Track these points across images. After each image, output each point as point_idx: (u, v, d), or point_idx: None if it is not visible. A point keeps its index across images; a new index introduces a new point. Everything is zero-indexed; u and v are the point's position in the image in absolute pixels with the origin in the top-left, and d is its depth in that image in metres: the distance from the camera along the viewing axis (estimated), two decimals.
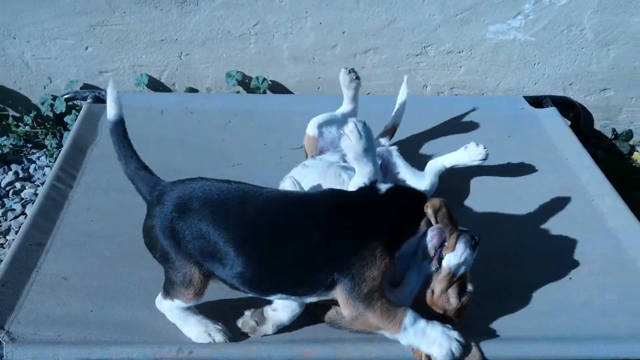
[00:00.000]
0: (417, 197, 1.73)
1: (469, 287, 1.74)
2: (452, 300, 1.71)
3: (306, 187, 2.04)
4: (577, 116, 3.12)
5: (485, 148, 2.31)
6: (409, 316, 1.61)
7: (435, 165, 2.36)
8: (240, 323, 1.81)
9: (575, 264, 2.17)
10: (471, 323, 1.86)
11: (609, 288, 2.06)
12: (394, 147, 2.44)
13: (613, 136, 3.27)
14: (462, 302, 1.72)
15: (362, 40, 2.95)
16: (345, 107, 2.47)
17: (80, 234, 2.19)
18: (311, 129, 2.31)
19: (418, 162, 2.44)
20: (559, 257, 2.20)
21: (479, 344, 1.74)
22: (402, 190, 1.78)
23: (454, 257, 1.69)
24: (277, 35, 2.94)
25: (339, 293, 1.61)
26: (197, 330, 1.76)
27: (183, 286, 1.68)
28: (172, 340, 1.77)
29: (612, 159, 3.16)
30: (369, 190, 1.76)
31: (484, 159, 2.32)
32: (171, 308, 1.76)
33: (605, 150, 3.23)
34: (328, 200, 1.73)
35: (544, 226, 2.35)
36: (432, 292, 1.71)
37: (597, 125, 3.25)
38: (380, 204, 1.70)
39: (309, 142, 2.32)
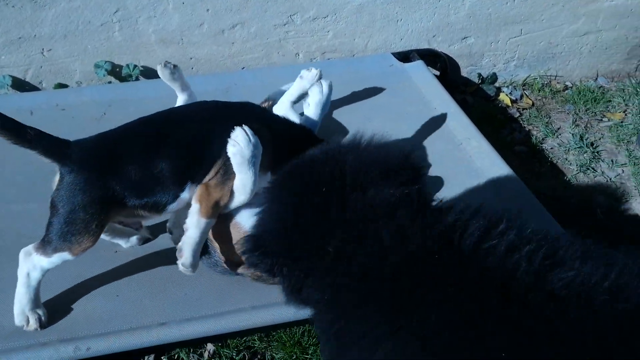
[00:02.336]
0: None
1: None
2: None
3: None
4: (444, 65, 3.29)
5: (317, 69, 2.41)
6: None
7: (284, 105, 2.44)
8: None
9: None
10: None
11: None
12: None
13: (480, 81, 3.47)
14: None
15: (227, 16, 2.96)
16: (181, 98, 2.38)
17: None
18: None
19: None
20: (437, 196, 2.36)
21: None
22: None
23: None
24: (140, 20, 2.90)
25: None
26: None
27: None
28: (67, 339, 1.78)
29: (480, 102, 3.37)
30: None
31: (320, 77, 2.41)
32: (36, 266, 1.78)
33: (473, 94, 3.43)
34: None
35: None
36: None
37: (464, 72, 3.44)
38: None
39: None
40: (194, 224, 1.80)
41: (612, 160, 2.96)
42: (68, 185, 1.73)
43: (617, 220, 2.66)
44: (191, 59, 3.07)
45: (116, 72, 3.02)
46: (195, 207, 1.80)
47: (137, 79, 3.02)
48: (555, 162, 2.96)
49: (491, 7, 3.19)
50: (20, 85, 2.98)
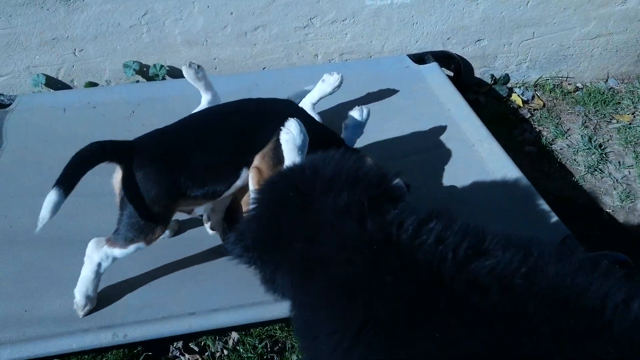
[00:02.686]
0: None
1: None
2: None
3: None
4: (457, 67, 3.40)
5: (339, 74, 2.63)
6: None
7: (306, 107, 2.61)
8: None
9: (460, 204, 2.45)
10: None
11: (490, 223, 2.36)
12: None
13: (492, 82, 3.58)
14: None
15: (250, 19, 3.09)
16: (205, 97, 2.53)
17: (3, 241, 2.28)
18: None
19: None
20: (446, 200, 2.48)
21: None
22: None
23: None
24: (167, 22, 3.03)
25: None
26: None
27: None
28: (106, 326, 1.93)
29: (492, 103, 3.48)
30: None
31: (340, 83, 2.64)
32: (108, 255, 1.95)
33: (486, 95, 3.54)
34: None
35: (430, 174, 2.62)
36: None
37: (477, 73, 3.55)
38: None
39: None
40: None
41: (619, 162, 3.06)
42: (141, 181, 1.88)
43: (622, 220, 2.77)
44: (215, 59, 3.20)
45: (144, 71, 3.16)
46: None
47: (163, 78, 3.16)
48: (564, 162, 3.07)
49: (504, 10, 3.29)
50: (53, 83, 3.13)
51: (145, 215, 1.89)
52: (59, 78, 3.13)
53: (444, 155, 2.72)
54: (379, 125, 2.90)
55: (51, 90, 3.14)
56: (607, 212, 2.80)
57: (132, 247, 1.91)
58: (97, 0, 2.91)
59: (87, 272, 1.96)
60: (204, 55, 3.16)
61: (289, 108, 2.24)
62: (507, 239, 1.42)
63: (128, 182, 1.90)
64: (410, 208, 1.49)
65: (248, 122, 2.04)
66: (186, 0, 2.98)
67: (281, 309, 2.03)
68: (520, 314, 1.22)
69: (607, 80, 3.67)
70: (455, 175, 2.60)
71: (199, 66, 2.49)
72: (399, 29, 3.28)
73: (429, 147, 2.77)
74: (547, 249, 1.38)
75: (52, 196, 1.79)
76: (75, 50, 3.05)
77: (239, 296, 2.08)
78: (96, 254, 1.94)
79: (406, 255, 1.37)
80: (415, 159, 2.69)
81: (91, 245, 1.97)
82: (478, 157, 2.69)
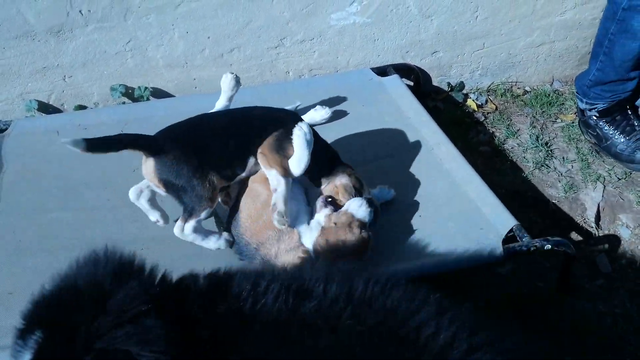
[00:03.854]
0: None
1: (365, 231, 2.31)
2: (355, 231, 2.27)
3: None
4: (417, 77, 3.73)
5: (329, 107, 3.09)
6: None
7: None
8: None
9: (423, 203, 2.76)
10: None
11: (449, 218, 2.67)
12: None
13: (449, 89, 3.92)
14: (362, 235, 2.27)
15: (226, 42, 3.37)
16: (221, 103, 2.92)
17: (13, 253, 2.52)
18: None
19: None
20: (410, 200, 2.79)
21: None
22: None
23: (354, 203, 2.33)
24: (150, 48, 3.30)
25: None
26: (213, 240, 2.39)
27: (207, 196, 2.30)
28: None
29: (450, 108, 3.82)
30: None
31: (328, 116, 3.13)
32: (194, 227, 2.31)
33: (444, 101, 3.87)
34: None
35: (395, 176, 2.93)
36: (335, 223, 2.29)
37: (435, 82, 3.88)
38: None
39: None
40: (280, 183, 2.30)
41: (563, 157, 3.42)
42: (173, 164, 2.25)
43: (567, 209, 3.12)
44: (194, 79, 3.48)
45: (129, 93, 3.42)
46: (272, 171, 2.32)
47: (148, 99, 3.43)
48: (514, 160, 3.41)
49: (456, 25, 3.63)
50: (45, 108, 3.38)
51: (192, 187, 2.26)
52: (50, 103, 3.38)
53: (407, 159, 3.02)
54: (347, 134, 3.21)
55: (43, 114, 3.38)
56: (553, 202, 3.15)
57: (202, 214, 2.29)
58: (85, 31, 3.17)
59: (201, 244, 2.38)
60: (185, 76, 3.44)
61: (293, 116, 2.60)
62: (328, 275, 1.40)
63: (159, 167, 2.27)
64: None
65: (258, 122, 2.44)
66: (167, 28, 3.25)
67: None
68: (348, 354, 1.25)
69: (552, 83, 4.04)
70: (417, 177, 2.90)
71: (238, 79, 2.88)
72: (361, 45, 3.59)
73: (392, 152, 3.07)
74: (372, 280, 1.38)
75: (78, 139, 2.24)
76: (65, 76, 3.31)
77: None
78: (189, 235, 2.33)
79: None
80: (381, 164, 2.99)
81: (178, 233, 2.34)
82: (437, 159, 3.01)
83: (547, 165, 3.36)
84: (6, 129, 3.21)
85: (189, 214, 2.30)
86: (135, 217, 2.72)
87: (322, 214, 2.35)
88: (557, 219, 3.06)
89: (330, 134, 3.13)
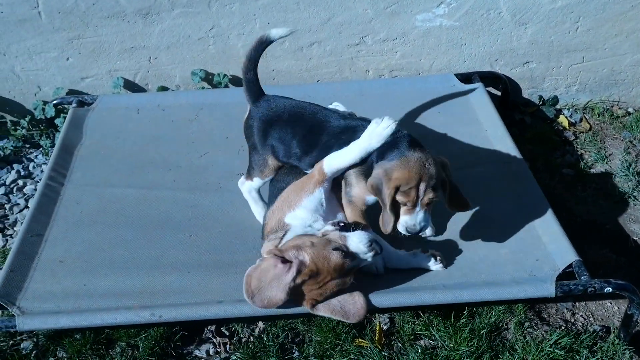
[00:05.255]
0: None
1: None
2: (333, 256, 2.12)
3: None
4: (505, 87, 3.53)
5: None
6: None
7: None
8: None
9: (481, 223, 2.63)
10: (383, 278, 2.35)
11: (505, 243, 2.52)
12: None
13: (541, 102, 3.67)
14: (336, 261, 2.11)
15: (306, 36, 3.35)
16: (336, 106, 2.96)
17: (72, 224, 2.67)
18: None
19: None
20: (466, 218, 2.65)
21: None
22: None
23: (356, 237, 2.17)
24: (231, 36, 3.35)
25: None
26: (258, 210, 2.64)
27: (260, 168, 2.54)
28: (147, 306, 2.26)
29: (538, 123, 3.57)
30: None
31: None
32: (249, 189, 2.63)
33: (533, 115, 3.63)
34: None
35: (462, 191, 2.79)
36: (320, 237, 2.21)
37: (525, 94, 3.65)
38: None
39: None
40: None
41: None
42: (251, 124, 2.54)
43: None
44: (273, 70, 3.49)
45: (209, 79, 3.50)
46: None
47: (226, 86, 3.49)
48: (599, 187, 3.14)
49: (553, 35, 3.38)
50: (130, 86, 3.53)
51: (252, 154, 2.57)
52: (136, 82, 3.52)
53: (476, 174, 2.87)
54: (419, 140, 3.09)
55: (128, 92, 3.53)
56: (633, 239, 2.87)
57: (256, 180, 2.57)
58: (171, 15, 3.26)
59: (250, 204, 2.67)
60: (264, 67, 3.45)
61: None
62: None
63: (247, 120, 2.59)
64: None
65: (331, 131, 2.41)
66: (249, 17, 3.28)
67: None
68: None
69: None
70: (480, 194, 2.74)
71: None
72: (447, 49, 3.44)
73: (461, 165, 2.92)
74: None
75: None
76: (150, 57, 3.43)
77: None
78: (245, 191, 2.65)
79: None
80: None
81: (240, 186, 2.67)
82: (506, 178, 2.84)
83: (634, 197, 3.07)
84: (92, 103, 3.38)
85: (247, 173, 2.62)
86: (194, 201, 2.80)
87: (322, 228, 2.27)
88: (635, 259, 2.78)
89: None
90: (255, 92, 2.57)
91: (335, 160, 2.30)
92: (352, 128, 2.37)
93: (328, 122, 2.44)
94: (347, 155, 2.29)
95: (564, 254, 2.40)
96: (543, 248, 2.47)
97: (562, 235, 2.48)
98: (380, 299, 2.28)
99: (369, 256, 2.15)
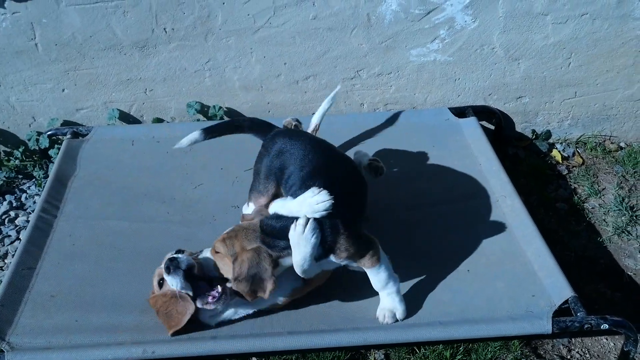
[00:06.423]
0: None
1: None
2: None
3: None
4: (498, 121, 3.55)
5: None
6: None
7: None
8: None
9: (475, 257, 2.62)
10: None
11: (500, 278, 2.51)
12: None
13: (534, 136, 3.70)
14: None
15: (302, 69, 3.38)
16: None
17: (64, 257, 2.65)
18: None
19: None
20: (462, 252, 2.64)
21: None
22: None
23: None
24: (227, 69, 3.37)
25: None
26: None
27: (260, 193, 2.44)
28: (140, 342, 2.23)
29: (531, 157, 3.59)
30: None
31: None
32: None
33: (526, 149, 3.66)
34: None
35: (453, 225, 2.79)
36: None
37: (518, 128, 3.68)
38: None
39: None
40: None
41: None
42: (260, 153, 2.53)
43: None
44: (268, 103, 3.51)
45: (204, 111, 3.51)
46: None
47: (221, 118, 3.50)
48: (592, 222, 3.15)
49: (546, 70, 3.43)
50: (125, 117, 3.53)
51: (255, 176, 2.51)
52: (131, 113, 3.53)
53: (467, 208, 2.88)
54: (412, 173, 3.11)
55: (124, 123, 3.53)
56: (628, 274, 2.87)
57: (250, 204, 2.48)
58: (168, 48, 3.29)
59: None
60: (259, 99, 3.48)
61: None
62: None
63: (260, 152, 2.55)
64: None
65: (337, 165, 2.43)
66: (245, 51, 3.31)
67: (295, 340, 2.27)
68: None
69: None
70: (474, 228, 2.76)
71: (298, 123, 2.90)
72: (441, 83, 3.47)
73: (455, 199, 2.94)
74: None
75: (194, 134, 2.65)
76: (146, 89, 3.44)
77: (257, 325, 2.33)
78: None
79: None
80: (440, 209, 2.87)
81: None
82: (500, 213, 2.84)
83: (628, 232, 3.07)
84: (87, 135, 3.38)
85: (249, 197, 2.51)
86: (189, 234, 2.78)
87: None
88: (630, 294, 2.78)
89: (389, 173, 3.04)
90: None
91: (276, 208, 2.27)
92: None
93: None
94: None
95: (560, 289, 2.39)
96: (539, 283, 2.46)
97: (558, 270, 2.47)
98: (376, 334, 2.26)
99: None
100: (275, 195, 2.43)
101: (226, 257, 2.19)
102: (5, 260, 3.00)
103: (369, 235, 2.29)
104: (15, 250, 2.87)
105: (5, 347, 2.20)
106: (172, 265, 2.19)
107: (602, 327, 2.28)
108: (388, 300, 2.31)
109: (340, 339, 2.26)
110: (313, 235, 2.08)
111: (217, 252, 2.24)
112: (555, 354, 2.51)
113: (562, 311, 2.34)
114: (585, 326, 2.27)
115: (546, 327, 2.26)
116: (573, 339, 2.58)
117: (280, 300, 2.34)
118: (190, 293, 2.21)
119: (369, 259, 2.22)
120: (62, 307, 2.41)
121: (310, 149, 2.39)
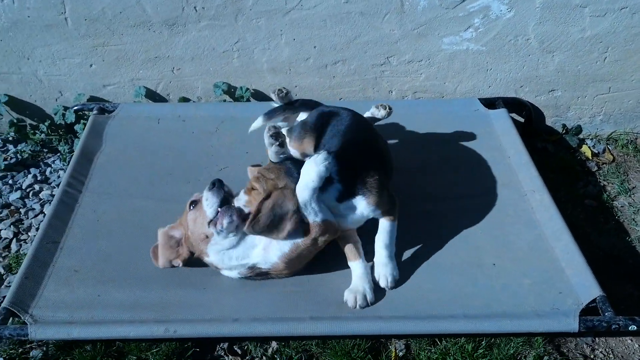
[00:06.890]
0: None
1: None
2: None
3: None
4: (528, 114, 3.49)
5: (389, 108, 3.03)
6: None
7: None
8: None
9: (502, 251, 2.58)
10: (402, 303, 2.31)
11: (526, 273, 2.47)
12: None
13: (564, 131, 3.63)
14: None
15: (331, 54, 3.33)
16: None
17: (89, 232, 2.65)
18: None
19: None
20: (488, 245, 2.60)
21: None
22: None
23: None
24: (256, 51, 3.34)
25: None
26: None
27: (296, 139, 2.68)
28: (161, 320, 2.22)
29: (561, 152, 3.53)
30: None
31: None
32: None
33: (556, 144, 3.59)
34: None
35: (480, 218, 2.75)
36: None
37: (549, 122, 3.61)
38: None
39: None
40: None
41: None
42: (310, 114, 2.79)
43: None
44: (296, 86, 3.47)
45: (231, 92, 3.48)
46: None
47: (247, 100, 3.47)
48: (622, 220, 3.09)
49: (580, 64, 3.35)
50: (152, 95, 3.52)
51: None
52: (157, 91, 3.51)
53: (495, 201, 2.83)
54: (440, 164, 3.07)
55: (150, 101, 3.52)
56: None
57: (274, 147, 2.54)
58: (197, 27, 3.26)
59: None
60: (287, 82, 3.44)
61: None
62: None
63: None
64: None
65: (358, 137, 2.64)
66: (275, 33, 3.27)
67: (317, 327, 2.25)
68: None
69: None
70: (501, 222, 2.71)
71: (286, 93, 2.91)
72: (472, 73, 3.41)
73: (482, 192, 2.89)
74: None
75: (258, 121, 2.83)
76: (173, 68, 3.42)
77: (280, 309, 2.31)
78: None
79: None
80: (466, 203, 2.82)
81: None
82: (528, 207, 2.79)
83: None
84: (113, 111, 3.37)
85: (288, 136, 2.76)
86: None
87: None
88: None
89: (416, 163, 3.00)
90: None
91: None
92: None
93: None
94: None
95: (588, 288, 2.35)
96: (566, 280, 2.41)
97: (586, 269, 2.43)
98: (398, 324, 2.24)
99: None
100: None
101: (258, 194, 2.28)
102: (29, 233, 3.01)
103: (392, 194, 2.47)
104: (39, 224, 2.88)
105: (28, 320, 2.21)
106: (218, 183, 2.35)
107: (629, 328, 2.24)
108: (382, 264, 2.42)
109: (362, 327, 2.25)
110: (323, 163, 2.20)
111: (252, 189, 2.33)
112: (579, 353, 2.47)
113: (588, 310, 2.30)
114: (613, 326, 2.23)
115: (573, 325, 2.22)
116: (597, 338, 2.52)
117: (277, 256, 2.32)
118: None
119: (390, 213, 2.42)
120: (85, 282, 2.41)
121: (346, 118, 2.71)
